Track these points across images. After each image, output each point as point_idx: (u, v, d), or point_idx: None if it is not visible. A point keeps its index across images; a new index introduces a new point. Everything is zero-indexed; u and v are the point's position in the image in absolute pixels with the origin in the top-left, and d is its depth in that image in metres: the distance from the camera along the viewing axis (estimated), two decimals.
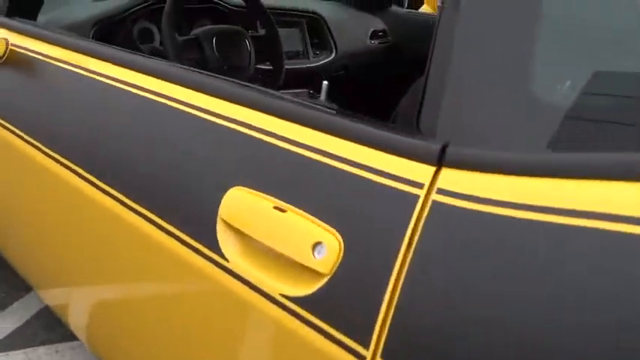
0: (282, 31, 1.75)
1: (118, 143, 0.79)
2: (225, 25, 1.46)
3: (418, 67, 0.57)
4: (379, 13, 2.25)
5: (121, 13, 1.32)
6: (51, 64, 0.95)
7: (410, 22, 2.21)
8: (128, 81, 0.79)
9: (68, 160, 0.85)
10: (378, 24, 2.19)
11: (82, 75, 0.87)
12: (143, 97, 0.76)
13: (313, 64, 1.81)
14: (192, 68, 0.83)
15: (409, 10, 2.25)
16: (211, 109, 0.66)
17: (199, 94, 0.69)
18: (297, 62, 1.75)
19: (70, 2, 1.43)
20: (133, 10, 1.34)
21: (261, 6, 1.47)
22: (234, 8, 1.58)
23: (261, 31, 1.65)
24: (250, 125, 0.61)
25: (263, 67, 1.54)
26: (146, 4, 1.38)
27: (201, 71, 0.80)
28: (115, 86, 0.81)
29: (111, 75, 0.82)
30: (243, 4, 1.49)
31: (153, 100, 0.74)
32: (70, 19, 1.28)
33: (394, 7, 2.30)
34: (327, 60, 1.85)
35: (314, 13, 1.83)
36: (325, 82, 1.47)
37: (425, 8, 2.24)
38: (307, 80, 1.81)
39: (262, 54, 1.48)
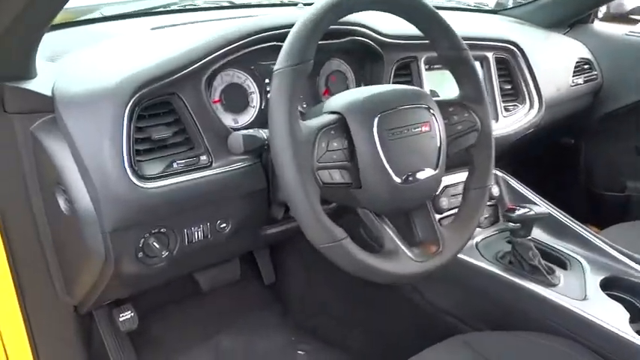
0: None
1: None
2: (393, 85, 0.75)
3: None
4: (577, 32, 1.47)
5: (187, 65, 0.64)
6: None
7: (627, 48, 1.40)
8: None
9: None
10: (580, 50, 1.40)
11: None
12: None
13: (509, 130, 1.05)
14: None
15: (630, 31, 1.44)
16: None
17: None
18: None
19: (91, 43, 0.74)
20: (210, 58, 0.66)
21: (454, 36, 0.73)
22: (391, 41, 0.86)
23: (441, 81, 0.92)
24: None
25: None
26: (236, 44, 0.69)
27: None
28: None
29: None
30: (408, 33, 0.78)
31: None
32: (94, 86, 0.61)
33: (597, 24, 1.50)
34: (528, 121, 1.09)
35: (509, 42, 1.08)
36: None
37: None
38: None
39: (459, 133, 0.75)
